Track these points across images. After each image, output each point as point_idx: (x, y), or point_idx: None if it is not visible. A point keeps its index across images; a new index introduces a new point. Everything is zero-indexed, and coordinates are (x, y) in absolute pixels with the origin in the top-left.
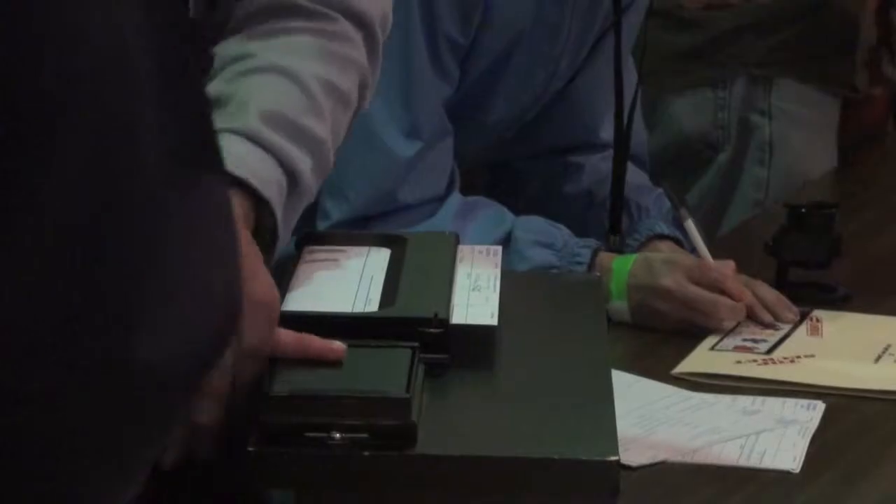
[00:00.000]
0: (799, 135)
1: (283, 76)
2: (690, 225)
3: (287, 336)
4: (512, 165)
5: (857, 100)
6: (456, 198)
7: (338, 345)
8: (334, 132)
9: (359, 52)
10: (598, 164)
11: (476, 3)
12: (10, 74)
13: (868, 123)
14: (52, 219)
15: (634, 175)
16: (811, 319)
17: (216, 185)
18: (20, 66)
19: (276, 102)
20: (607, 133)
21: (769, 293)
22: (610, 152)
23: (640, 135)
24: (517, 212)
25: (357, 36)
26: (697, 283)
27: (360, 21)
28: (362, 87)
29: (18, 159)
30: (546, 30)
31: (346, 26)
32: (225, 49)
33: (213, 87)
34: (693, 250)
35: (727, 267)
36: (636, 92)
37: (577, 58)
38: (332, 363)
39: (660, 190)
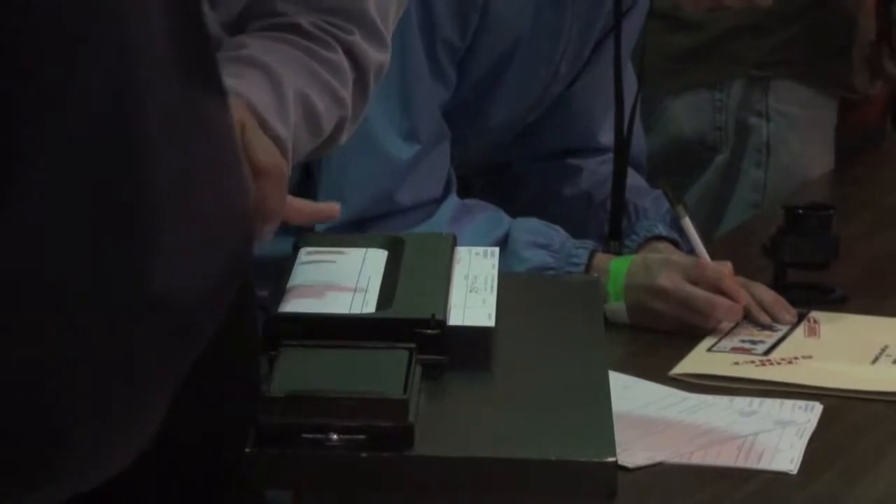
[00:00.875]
0: (796, 136)
1: (265, 74)
2: (687, 223)
3: (296, 201)
4: (511, 168)
5: (855, 101)
6: (453, 200)
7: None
8: (294, 144)
9: (346, 89)
10: (597, 168)
11: (474, 7)
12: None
13: (866, 124)
14: (75, 129)
15: (632, 177)
16: (809, 321)
17: (222, 105)
18: None
19: (247, 91)
20: (606, 137)
21: (767, 294)
22: (609, 156)
23: (639, 139)
24: (515, 214)
25: (349, 75)
26: (694, 284)
27: (357, 63)
28: (340, 122)
29: (43, 72)
30: (545, 34)
31: (342, 60)
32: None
33: None
34: (690, 251)
35: (724, 267)
36: (636, 97)
37: (576, 62)
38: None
39: (658, 191)
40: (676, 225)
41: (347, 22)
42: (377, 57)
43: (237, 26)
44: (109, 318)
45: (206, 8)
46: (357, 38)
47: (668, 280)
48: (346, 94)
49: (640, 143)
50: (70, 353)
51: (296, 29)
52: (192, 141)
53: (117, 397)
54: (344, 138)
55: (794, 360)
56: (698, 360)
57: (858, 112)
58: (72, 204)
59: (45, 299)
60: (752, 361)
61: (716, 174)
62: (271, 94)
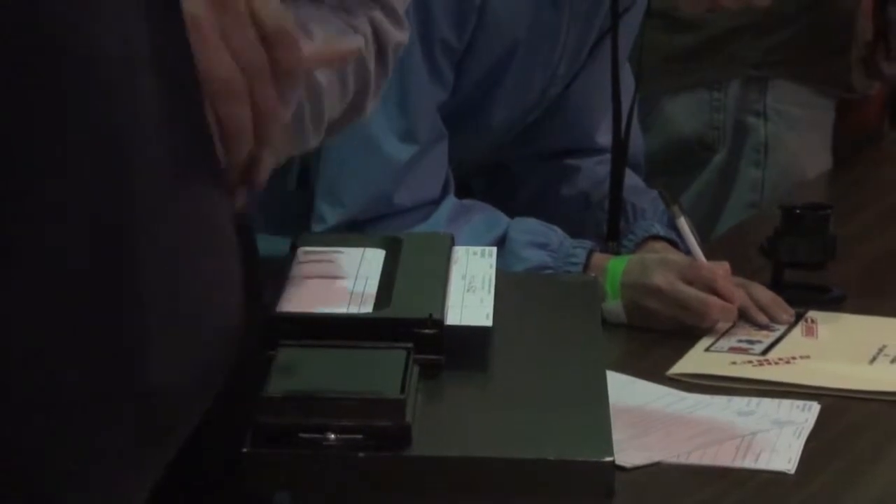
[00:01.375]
0: (794, 136)
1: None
2: (683, 223)
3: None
4: (508, 168)
5: (853, 100)
6: (451, 201)
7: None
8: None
9: (369, 56)
10: (595, 168)
11: (472, 7)
12: (28, 85)
13: (865, 124)
14: (61, 236)
15: (630, 177)
16: (806, 320)
17: (219, 197)
18: (36, 77)
19: None
20: (604, 137)
21: (764, 294)
22: (607, 156)
23: (636, 139)
24: (512, 214)
25: (371, 46)
26: (690, 283)
27: (378, 37)
28: (363, 87)
29: (29, 164)
30: (544, 35)
31: (367, 29)
32: None
33: None
34: (688, 251)
35: (721, 268)
36: (634, 98)
37: (574, 62)
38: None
39: (654, 191)
40: (674, 225)
41: None
42: (397, 35)
43: None
44: (97, 408)
45: None
46: (378, 14)
47: (663, 279)
48: (371, 61)
49: (637, 143)
50: (56, 440)
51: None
52: (184, 233)
53: (97, 482)
54: (367, 111)
55: (791, 360)
56: (696, 360)
57: (857, 112)
58: (61, 297)
59: (36, 385)
60: (750, 361)
61: (714, 174)
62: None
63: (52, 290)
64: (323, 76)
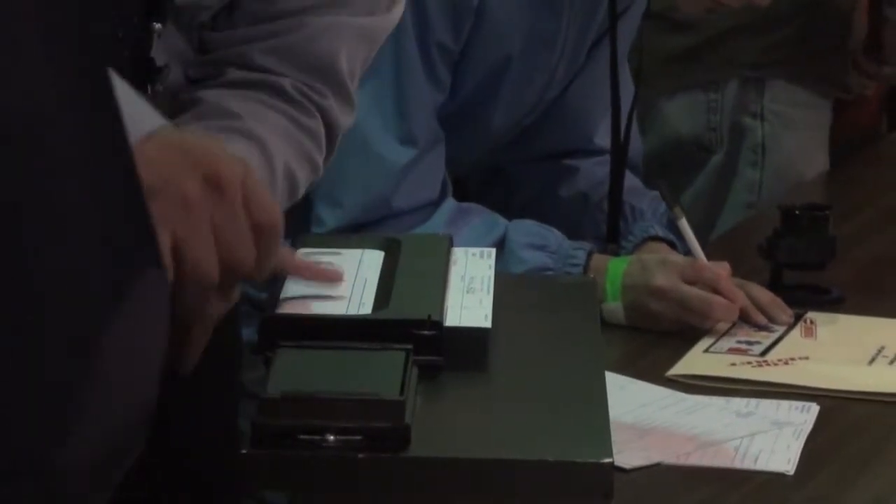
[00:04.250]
0: (791, 136)
1: (259, 149)
2: (684, 224)
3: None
4: (506, 170)
5: (849, 101)
6: (450, 203)
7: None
8: None
9: (320, 155)
10: (593, 168)
11: (468, 9)
12: None
13: (860, 124)
14: None
15: (628, 178)
16: (805, 321)
17: (151, 276)
18: None
19: None
20: (602, 139)
21: (763, 294)
22: (605, 157)
23: (635, 141)
24: (511, 215)
25: (323, 140)
26: (691, 284)
27: (329, 127)
28: (310, 184)
29: None
30: (542, 38)
31: (319, 125)
32: (209, 96)
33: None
34: (687, 252)
35: (722, 268)
36: (633, 99)
37: (573, 65)
38: (333, 280)
39: (655, 192)
40: (673, 226)
41: (323, 84)
42: (345, 120)
43: (206, 68)
44: (11, 479)
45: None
46: (331, 103)
47: (666, 280)
48: (320, 159)
49: (636, 144)
50: None
51: (280, 92)
52: (110, 315)
53: None
54: (300, 195)
55: (790, 361)
56: (695, 361)
57: (853, 112)
58: None
59: None
60: (749, 362)
61: (711, 175)
62: (265, 171)
63: None
64: (277, 195)
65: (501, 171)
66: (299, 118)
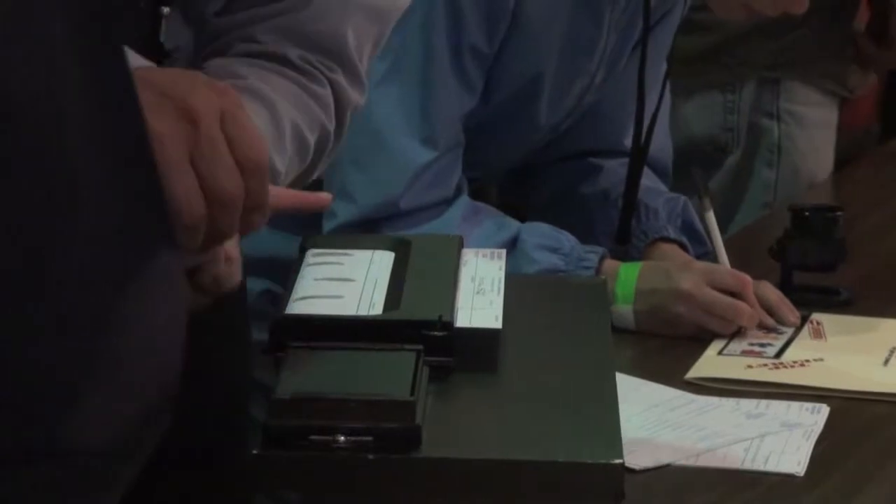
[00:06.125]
0: (805, 136)
1: (265, 107)
2: (711, 217)
3: (282, 191)
4: (531, 166)
5: (845, 101)
6: (465, 200)
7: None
8: (287, 175)
9: (331, 125)
10: (617, 168)
11: (504, 12)
12: None
13: (856, 124)
14: None
15: (647, 177)
16: (812, 322)
17: (167, 254)
18: None
19: None
20: (630, 141)
21: (772, 293)
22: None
23: (666, 147)
24: (532, 209)
25: (333, 111)
26: (715, 288)
27: (338, 101)
28: (321, 156)
29: None
30: (581, 44)
31: (329, 95)
32: (214, 64)
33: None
34: (702, 254)
35: (743, 275)
36: (659, 103)
37: (612, 71)
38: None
39: (671, 194)
40: (686, 228)
41: (331, 61)
42: (356, 98)
43: (215, 47)
44: (17, 467)
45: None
46: (340, 77)
47: (692, 284)
48: (331, 127)
49: (667, 150)
50: None
51: (285, 61)
52: (125, 292)
53: None
54: (316, 174)
55: (806, 363)
56: (712, 364)
57: (849, 111)
58: None
59: None
60: (765, 365)
61: (727, 175)
62: (271, 128)
63: None
64: (281, 162)
65: (526, 168)
66: (308, 85)
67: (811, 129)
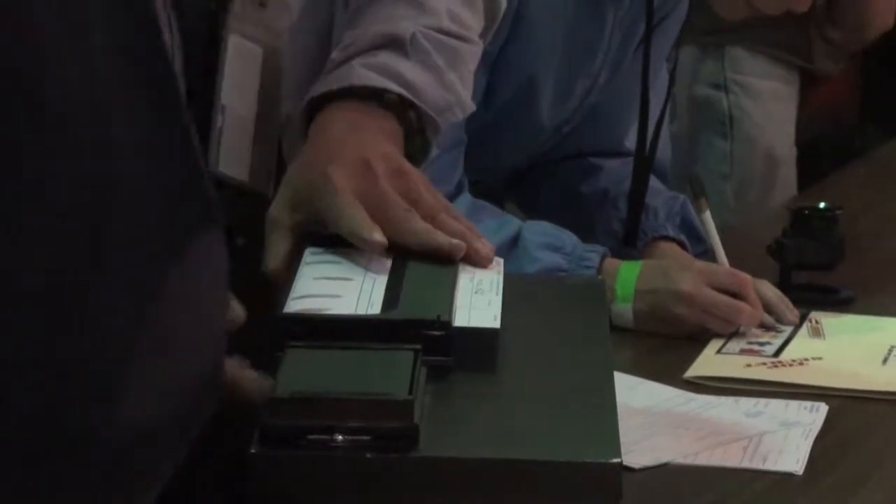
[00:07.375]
0: (757, 107)
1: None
2: (707, 217)
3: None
4: (534, 168)
5: (818, 80)
6: (465, 199)
7: None
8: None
9: None
10: (618, 168)
11: (507, 11)
12: None
13: (831, 107)
14: (35, 268)
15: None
16: (810, 321)
17: (210, 241)
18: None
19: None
20: (633, 142)
21: (771, 291)
22: (631, 158)
23: (665, 146)
24: (533, 206)
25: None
26: (714, 288)
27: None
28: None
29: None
30: (584, 45)
31: None
32: None
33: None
34: (702, 253)
35: (743, 274)
36: (665, 104)
37: (615, 72)
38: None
39: (670, 193)
40: (685, 227)
41: None
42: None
43: None
44: (62, 453)
45: None
46: None
47: (692, 285)
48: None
49: (666, 151)
50: (22, 488)
51: None
52: (168, 271)
53: None
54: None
55: (804, 362)
56: (710, 363)
57: (821, 92)
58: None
59: None
60: (764, 363)
61: (675, 145)
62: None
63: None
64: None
65: (526, 168)
66: None
67: (766, 101)
